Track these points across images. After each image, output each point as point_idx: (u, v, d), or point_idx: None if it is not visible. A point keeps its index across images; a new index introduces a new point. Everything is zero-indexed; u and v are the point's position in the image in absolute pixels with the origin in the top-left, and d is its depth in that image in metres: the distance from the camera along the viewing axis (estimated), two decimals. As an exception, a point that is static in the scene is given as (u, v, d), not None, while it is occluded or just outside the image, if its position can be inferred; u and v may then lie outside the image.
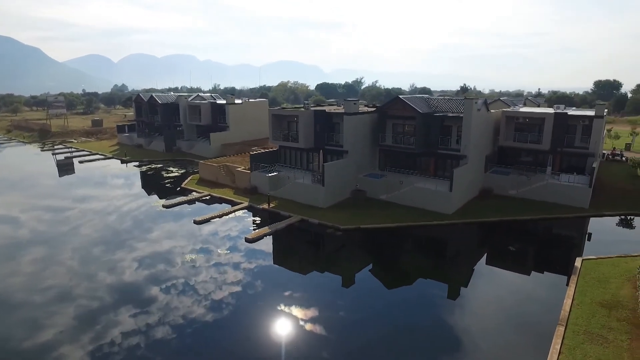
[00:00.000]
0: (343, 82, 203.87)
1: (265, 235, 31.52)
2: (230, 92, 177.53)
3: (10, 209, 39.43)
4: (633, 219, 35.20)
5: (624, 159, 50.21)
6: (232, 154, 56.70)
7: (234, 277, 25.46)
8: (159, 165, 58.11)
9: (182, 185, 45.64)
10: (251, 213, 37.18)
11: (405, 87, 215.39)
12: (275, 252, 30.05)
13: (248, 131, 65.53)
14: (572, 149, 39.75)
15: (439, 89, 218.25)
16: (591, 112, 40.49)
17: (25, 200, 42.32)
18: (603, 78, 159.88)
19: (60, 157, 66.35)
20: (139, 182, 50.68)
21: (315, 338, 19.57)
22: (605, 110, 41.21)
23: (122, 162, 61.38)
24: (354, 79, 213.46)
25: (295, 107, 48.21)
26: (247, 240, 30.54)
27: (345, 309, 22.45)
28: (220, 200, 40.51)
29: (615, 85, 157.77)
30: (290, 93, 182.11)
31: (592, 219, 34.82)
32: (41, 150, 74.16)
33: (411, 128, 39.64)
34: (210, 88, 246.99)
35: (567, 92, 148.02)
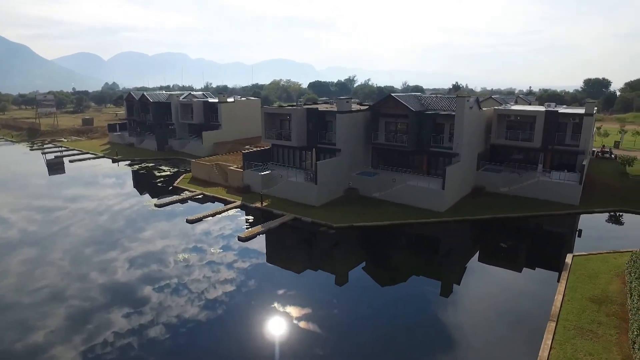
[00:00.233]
0: (335, 80, 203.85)
1: (258, 234, 31.46)
2: (223, 91, 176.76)
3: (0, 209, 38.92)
4: (622, 215, 35.68)
5: (613, 156, 50.88)
6: (225, 152, 56.49)
7: (228, 276, 25.39)
8: (150, 164, 57.70)
9: (175, 185, 45.37)
10: (244, 212, 37.08)
11: (398, 85, 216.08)
12: (269, 250, 30.01)
13: (240, 130, 65.32)
14: (562, 147, 40.15)
15: (431, 87, 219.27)
16: (581, 110, 40.96)
17: (15, 200, 41.80)
18: (592, 76, 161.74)
19: (50, 156, 65.58)
20: (130, 182, 50.30)
21: (309, 336, 19.60)
22: (595, 108, 41.68)
23: (114, 161, 60.85)
24: (347, 77, 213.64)
25: (288, 106, 48.11)
26: (240, 239, 30.47)
27: (338, 307, 22.51)
28: (213, 199, 40.34)
29: (605, 83, 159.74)
30: (282, 91, 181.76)
31: (582, 216, 35.25)
32: (30, 150, 73.23)
33: (404, 126, 39.77)
34: (203, 86, 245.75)
35: (558, 90, 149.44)
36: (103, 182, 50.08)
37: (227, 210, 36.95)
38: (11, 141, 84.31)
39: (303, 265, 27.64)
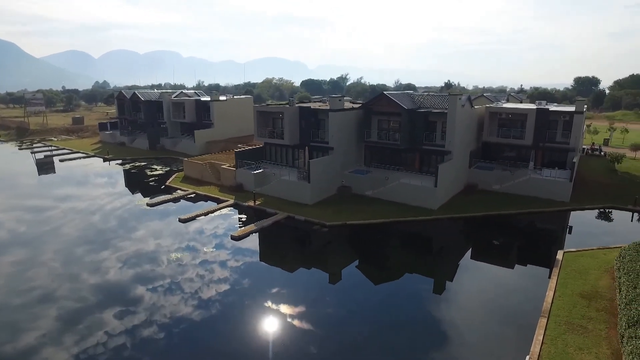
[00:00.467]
0: (328, 79, 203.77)
1: (252, 232, 31.39)
2: (215, 89, 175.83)
3: (-11, 209, 38.39)
4: (611, 212, 36.15)
5: (602, 153, 51.49)
6: (217, 151, 56.25)
7: (221, 275, 25.32)
8: (142, 164, 57.26)
9: (167, 184, 45.09)
10: (237, 211, 36.97)
11: (390, 83, 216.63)
12: (262, 249, 29.97)
13: (233, 128, 65.09)
14: (553, 144, 40.54)
15: (423, 85, 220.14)
16: (571, 108, 41.40)
17: (4, 201, 41.25)
18: (582, 75, 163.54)
19: (40, 155, 64.79)
20: (122, 181, 49.89)
21: (302, 334, 19.62)
22: (585, 106, 42.14)
23: (105, 160, 60.29)
24: (339, 76, 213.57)
25: (281, 104, 48.01)
26: (233, 238, 30.39)
27: (332, 305, 22.55)
28: (206, 198, 40.17)
29: (594, 81, 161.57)
30: (275, 89, 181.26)
31: (572, 213, 35.65)
32: (19, 149, 72.25)
33: (396, 124, 39.89)
34: (194, 85, 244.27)
35: (549, 88, 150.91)
36: (94, 181, 49.61)
37: (219, 209, 36.81)
38: None
39: (296, 263, 27.66)
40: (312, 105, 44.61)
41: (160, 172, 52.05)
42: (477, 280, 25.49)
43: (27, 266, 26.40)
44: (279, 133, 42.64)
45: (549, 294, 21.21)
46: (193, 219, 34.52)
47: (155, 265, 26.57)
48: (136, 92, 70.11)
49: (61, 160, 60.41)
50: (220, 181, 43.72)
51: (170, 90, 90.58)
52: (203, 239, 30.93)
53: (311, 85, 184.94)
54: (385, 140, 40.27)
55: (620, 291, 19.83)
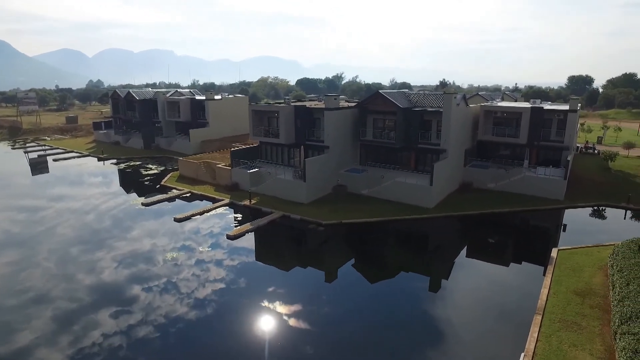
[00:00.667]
0: (323, 78, 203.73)
1: (247, 231, 31.36)
2: (210, 88, 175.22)
3: (-18, 209, 38.07)
4: (605, 209, 36.44)
5: (596, 152, 51.86)
6: (212, 150, 56.09)
7: (217, 274, 25.27)
8: (137, 163, 56.99)
9: (162, 183, 44.92)
10: (232, 210, 36.90)
11: (386, 82, 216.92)
12: (258, 248, 29.94)
13: (228, 127, 64.92)
14: (548, 143, 40.77)
15: (418, 84, 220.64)
16: (566, 107, 41.63)
17: (-3, 201, 40.91)
18: (576, 73, 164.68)
19: (33, 155, 64.25)
20: (117, 180, 49.63)
21: (299, 333, 19.63)
22: (579, 104, 42.41)
23: (99, 159, 59.94)
24: (334, 74, 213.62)
25: (276, 103, 47.94)
26: (229, 237, 30.33)
27: (328, 304, 22.58)
28: (201, 198, 40.05)
29: (588, 80, 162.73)
30: (270, 88, 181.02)
31: (567, 211, 35.89)
32: (12, 149, 71.64)
33: (392, 123, 39.95)
34: (189, 84, 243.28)
35: (543, 87, 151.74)
36: (89, 181, 49.33)
37: (215, 208, 36.73)
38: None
39: (292, 262, 27.66)
40: (308, 104, 44.58)
41: (155, 171, 51.83)
42: (473, 278, 25.61)
43: (21, 267, 26.21)
44: (274, 132, 42.58)
45: (544, 292, 21.36)
46: (188, 218, 34.42)
47: (151, 265, 26.47)
48: (131, 91, 69.70)
49: (55, 160, 59.97)
50: (215, 180, 43.62)
51: (165, 89, 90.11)
52: (198, 238, 30.85)
53: (306, 84, 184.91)
54: (381, 139, 40.33)
55: (613, 288, 20.01)
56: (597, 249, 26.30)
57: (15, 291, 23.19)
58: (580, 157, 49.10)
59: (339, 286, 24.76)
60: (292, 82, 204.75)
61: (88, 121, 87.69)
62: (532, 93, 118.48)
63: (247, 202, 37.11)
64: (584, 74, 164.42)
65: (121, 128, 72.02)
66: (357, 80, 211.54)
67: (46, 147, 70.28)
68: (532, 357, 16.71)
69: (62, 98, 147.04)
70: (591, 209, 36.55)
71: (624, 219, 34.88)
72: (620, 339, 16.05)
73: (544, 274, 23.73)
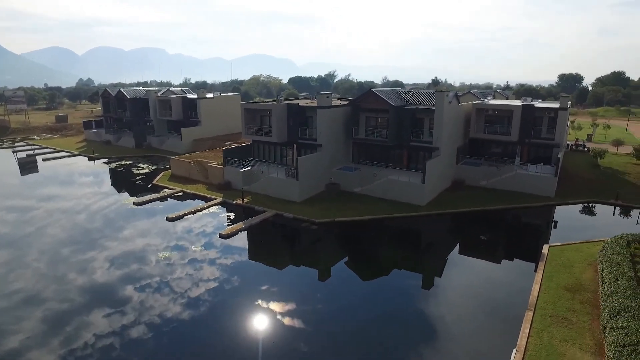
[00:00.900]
0: (316, 76, 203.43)
1: (240, 230, 31.28)
2: (202, 86, 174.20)
3: (-30, 210, 37.52)
4: (594, 206, 36.88)
5: (585, 149, 52.44)
6: (205, 149, 55.82)
7: (210, 273, 25.18)
8: (128, 162, 56.53)
9: (154, 182, 44.61)
10: (225, 209, 36.77)
11: (378, 80, 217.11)
12: (251, 247, 29.88)
13: (220, 126, 64.63)
14: (539, 140, 41.13)
15: (411, 82, 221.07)
16: (556, 105, 42.00)
17: (-14, 201, 40.35)
18: (566, 72, 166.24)
19: (22, 155, 63.43)
20: (108, 180, 49.18)
21: (293, 331, 19.64)
22: (569, 102, 42.82)
23: (90, 159, 59.37)
24: (327, 73, 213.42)
25: (268, 101, 47.80)
26: (222, 236, 30.23)
27: (322, 302, 22.62)
28: (193, 197, 39.85)
29: (578, 78, 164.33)
30: (262, 87, 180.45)
31: (557, 207, 36.27)
32: None
33: (384, 121, 40.03)
34: (181, 82, 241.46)
35: (534, 85, 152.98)
36: (79, 180, 48.84)
37: (207, 207, 36.57)
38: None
39: (285, 261, 27.64)
40: (300, 102, 44.51)
41: (147, 170, 51.46)
42: (465, 275, 25.79)
43: (11, 267, 25.90)
44: (266, 130, 42.47)
45: (535, 288, 21.58)
46: (181, 217, 34.24)
47: (144, 264, 26.29)
48: (122, 89, 69.05)
49: (44, 160, 59.27)
50: (208, 179, 43.41)
51: (156, 88, 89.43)
52: (191, 237, 30.71)
53: (299, 83, 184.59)
54: (373, 137, 40.40)
55: (602, 283, 20.27)
56: (587, 245, 26.63)
57: (5, 293, 22.89)
58: (570, 155, 49.61)
59: (332, 284, 24.80)
60: (285, 81, 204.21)
61: (78, 120, 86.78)
62: (523, 91, 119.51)
63: (239, 201, 36.99)
64: (574, 72, 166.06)
65: (112, 127, 71.38)
66: (350, 78, 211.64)
67: (35, 147, 69.43)
68: (524, 352, 16.89)
69: (51, 97, 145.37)
70: (581, 205, 36.97)
71: (613, 215, 35.34)
72: (609, 333, 16.28)
73: (535, 270, 23.96)
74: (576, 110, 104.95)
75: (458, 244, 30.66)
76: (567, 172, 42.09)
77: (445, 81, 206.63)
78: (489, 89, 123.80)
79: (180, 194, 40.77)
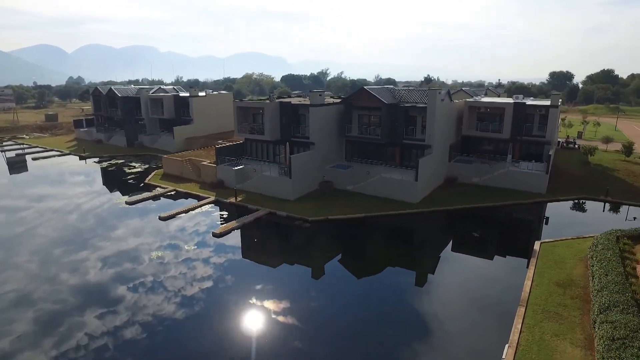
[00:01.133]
0: (308, 74, 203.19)
1: (234, 229, 31.21)
2: (194, 85, 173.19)
3: (-42, 210, 36.99)
4: (585, 202, 37.32)
5: (576, 146, 52.99)
6: (197, 147, 55.53)
7: (204, 272, 25.11)
8: (120, 161, 56.09)
9: (146, 181, 44.32)
10: (218, 207, 36.66)
11: (371, 78, 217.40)
12: (244, 246, 29.83)
13: (213, 124, 64.32)
14: (530, 138, 41.48)
15: (403, 80, 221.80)
16: (547, 102, 42.37)
17: (-25, 201, 39.81)
18: (557, 69, 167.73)
19: (11, 154, 62.44)
20: (99, 179, 48.76)
21: (287, 329, 19.66)
22: (560, 100, 43.23)
23: (81, 158, 58.81)
24: (320, 71, 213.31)
25: (261, 99, 47.66)
26: (215, 235, 30.15)
27: (316, 300, 22.66)
28: (186, 195, 39.66)
29: (568, 76, 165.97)
30: (255, 85, 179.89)
31: (549, 204, 36.63)
32: (-11, 148, 69.74)
33: (377, 119, 40.11)
34: (173, 80, 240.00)
35: (525, 83, 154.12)
36: (70, 180, 48.35)
37: (200, 206, 36.43)
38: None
39: (279, 259, 27.63)
40: (293, 100, 44.44)
41: (139, 169, 51.11)
42: (458, 272, 25.97)
43: (1, 268, 25.58)
44: (259, 129, 42.35)
45: (527, 284, 21.82)
46: (174, 216, 34.08)
47: (137, 264, 26.14)
48: (113, 88, 68.40)
49: (34, 159, 58.60)
50: (200, 178, 43.22)
51: (148, 86, 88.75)
52: (184, 236, 30.58)
53: (292, 81, 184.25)
54: (366, 134, 40.46)
55: (593, 279, 20.54)
56: (577, 241, 26.95)
57: (-4, 293, 22.64)
58: (561, 152, 50.11)
59: (326, 282, 24.85)
60: (277, 79, 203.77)
61: (68, 119, 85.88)
62: (515, 89, 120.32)
63: (232, 200, 36.89)
64: (564, 70, 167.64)
65: (103, 126, 70.72)
66: (343, 76, 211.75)
67: (24, 146, 68.56)
68: (516, 347, 17.08)
69: (40, 95, 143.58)
70: (572, 202, 37.39)
71: (603, 211, 35.79)
72: (599, 328, 16.52)
73: (527, 267, 24.22)
74: (567, 108, 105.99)
75: (451, 241, 30.86)
76: (558, 169, 42.51)
77: (438, 79, 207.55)
78: (481, 87, 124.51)
79: (172, 192, 40.56)
